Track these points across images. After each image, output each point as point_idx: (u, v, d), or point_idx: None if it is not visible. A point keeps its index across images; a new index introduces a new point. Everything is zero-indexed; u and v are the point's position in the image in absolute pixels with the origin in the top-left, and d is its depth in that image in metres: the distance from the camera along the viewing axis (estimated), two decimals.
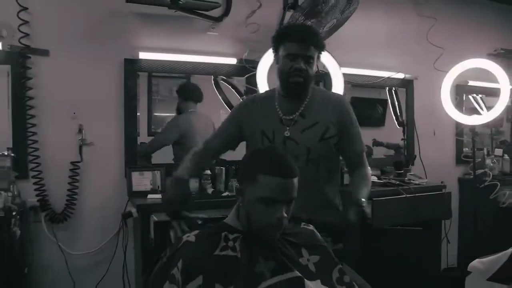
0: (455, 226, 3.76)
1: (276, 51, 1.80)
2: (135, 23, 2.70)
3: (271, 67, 2.65)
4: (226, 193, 2.54)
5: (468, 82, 3.85)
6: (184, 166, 1.76)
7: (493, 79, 3.42)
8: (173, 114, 3.02)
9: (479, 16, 3.99)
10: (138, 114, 2.72)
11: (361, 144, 1.86)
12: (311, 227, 1.44)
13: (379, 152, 3.60)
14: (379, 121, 3.72)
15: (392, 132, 3.66)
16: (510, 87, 3.35)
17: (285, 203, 1.24)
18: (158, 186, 2.54)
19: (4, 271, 2.01)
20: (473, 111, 3.88)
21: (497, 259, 1.83)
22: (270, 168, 1.23)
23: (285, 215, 1.24)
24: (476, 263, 1.89)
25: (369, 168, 1.86)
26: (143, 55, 2.68)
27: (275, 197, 1.22)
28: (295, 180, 1.26)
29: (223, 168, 2.62)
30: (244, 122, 1.83)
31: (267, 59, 2.65)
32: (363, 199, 1.66)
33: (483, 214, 3.45)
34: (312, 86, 1.82)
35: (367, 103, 3.69)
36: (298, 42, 1.70)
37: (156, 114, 3.06)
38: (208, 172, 2.56)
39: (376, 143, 3.59)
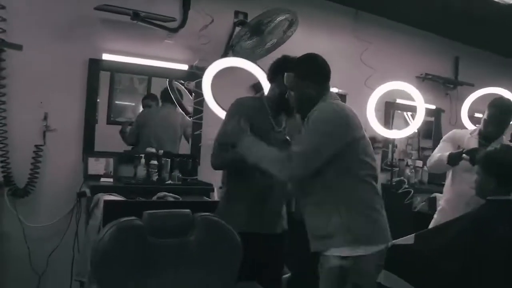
0: None
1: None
2: (101, 27, 3.06)
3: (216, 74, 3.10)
4: (169, 181, 2.95)
5: (396, 100, 4.40)
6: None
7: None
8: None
9: (409, 43, 4.53)
10: (97, 107, 3.10)
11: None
12: None
13: None
14: None
15: None
16: (425, 105, 3.91)
17: None
18: (111, 171, 2.93)
19: None
20: (406, 126, 4.41)
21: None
22: None
23: None
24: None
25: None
26: (106, 56, 3.06)
27: None
28: None
29: (169, 159, 3.03)
30: None
31: (213, 68, 3.10)
32: None
33: (399, 216, 3.96)
34: None
35: None
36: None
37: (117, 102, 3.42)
38: (155, 162, 2.96)
39: None
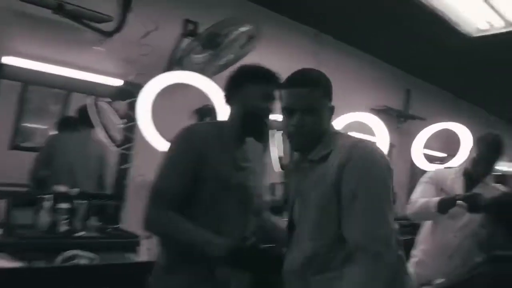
0: None
1: None
2: (9, 20, 2.31)
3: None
4: (82, 233, 2.26)
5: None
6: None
7: (372, 132, 3.62)
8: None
9: (366, 72, 4.25)
10: None
11: None
12: None
13: None
14: None
15: None
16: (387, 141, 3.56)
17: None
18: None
19: None
20: None
21: None
22: None
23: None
24: None
25: None
26: (8, 60, 2.31)
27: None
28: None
29: (85, 202, 2.33)
30: None
31: (155, 84, 2.45)
32: None
33: None
34: None
35: None
36: None
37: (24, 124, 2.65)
38: (66, 205, 2.25)
39: None
